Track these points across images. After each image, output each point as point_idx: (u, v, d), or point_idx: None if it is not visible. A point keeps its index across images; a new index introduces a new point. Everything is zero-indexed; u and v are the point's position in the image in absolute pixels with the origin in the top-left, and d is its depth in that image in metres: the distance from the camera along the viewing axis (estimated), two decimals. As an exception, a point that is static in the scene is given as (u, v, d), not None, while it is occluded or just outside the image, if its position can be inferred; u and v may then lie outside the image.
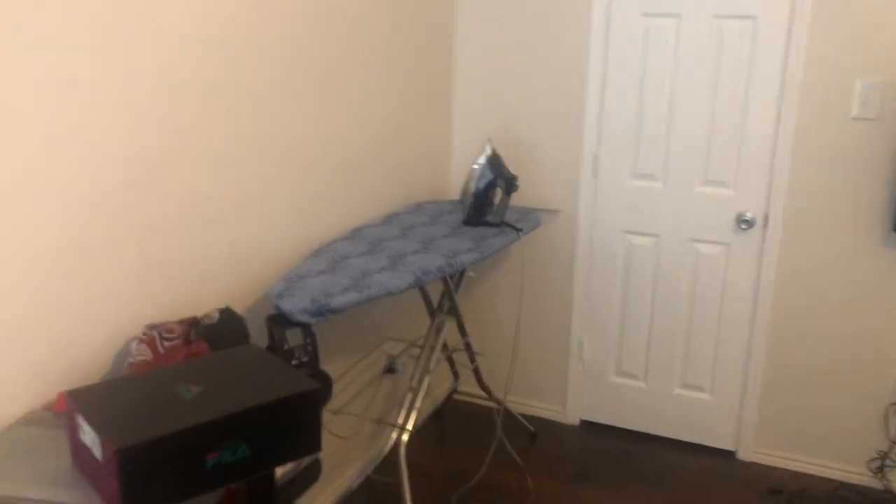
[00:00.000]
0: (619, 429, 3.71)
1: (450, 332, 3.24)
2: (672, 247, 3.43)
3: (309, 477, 2.04)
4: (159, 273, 2.02)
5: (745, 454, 3.48)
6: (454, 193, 3.76)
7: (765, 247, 3.26)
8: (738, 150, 3.24)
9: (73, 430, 1.41)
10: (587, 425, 3.76)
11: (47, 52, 1.63)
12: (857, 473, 3.31)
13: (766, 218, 3.25)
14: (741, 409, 3.46)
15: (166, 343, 1.87)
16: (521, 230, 2.97)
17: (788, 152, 3.15)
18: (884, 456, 3.25)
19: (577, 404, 3.76)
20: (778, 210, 3.21)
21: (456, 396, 3.89)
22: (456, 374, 3.72)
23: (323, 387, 2.22)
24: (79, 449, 1.39)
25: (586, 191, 3.51)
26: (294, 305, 2.14)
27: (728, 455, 3.51)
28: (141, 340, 1.85)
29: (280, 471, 1.87)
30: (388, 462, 3.32)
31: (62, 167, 1.70)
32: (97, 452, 1.30)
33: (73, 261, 1.76)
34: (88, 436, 1.33)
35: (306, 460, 1.94)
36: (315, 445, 1.53)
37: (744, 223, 3.27)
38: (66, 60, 1.68)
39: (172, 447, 1.29)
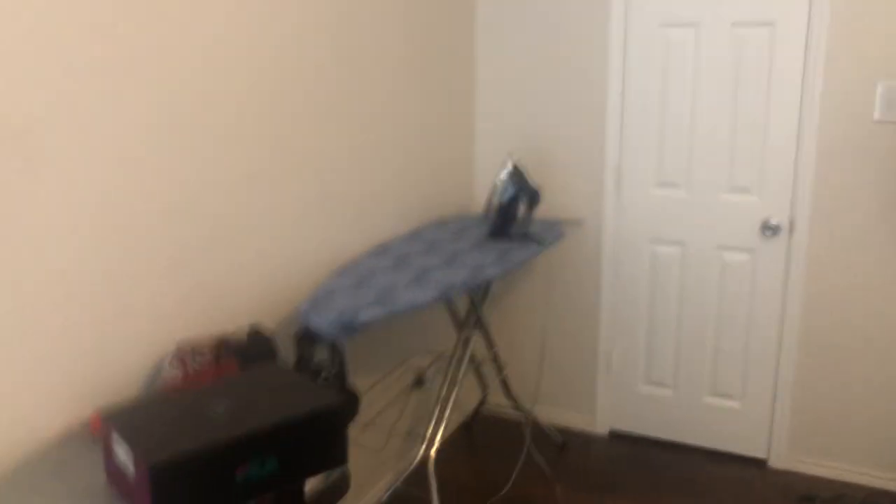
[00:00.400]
0: (648, 438, 3.71)
1: (477, 344, 3.27)
2: (698, 255, 3.43)
3: (338, 490, 2.07)
4: (190, 292, 2.08)
5: (776, 462, 3.45)
6: (478, 208, 3.80)
7: (791, 253, 3.25)
8: (762, 157, 3.24)
9: (108, 448, 1.46)
10: (616, 435, 3.76)
11: (81, 77, 1.70)
12: (890, 479, 3.27)
13: (791, 224, 3.24)
14: (772, 416, 3.44)
15: (197, 361, 1.92)
16: (545, 242, 3.00)
17: (812, 157, 3.14)
18: (918, 462, 3.22)
19: (606, 414, 3.76)
20: (804, 216, 3.20)
21: (484, 408, 3.91)
22: (484, 386, 3.75)
23: (349, 401, 2.26)
24: (113, 466, 1.44)
25: (610, 201, 3.52)
26: (322, 321, 2.18)
27: (760, 463, 3.49)
28: (172, 359, 1.91)
29: (309, 484, 1.90)
30: (418, 474, 3.35)
31: (94, 192, 1.77)
32: (130, 469, 1.35)
33: (106, 283, 1.82)
34: (122, 453, 1.38)
35: (335, 473, 1.97)
36: (342, 459, 1.57)
37: (769, 230, 3.27)
38: (97, 92, 1.75)
39: (203, 463, 1.33)
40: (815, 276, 3.24)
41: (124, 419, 1.44)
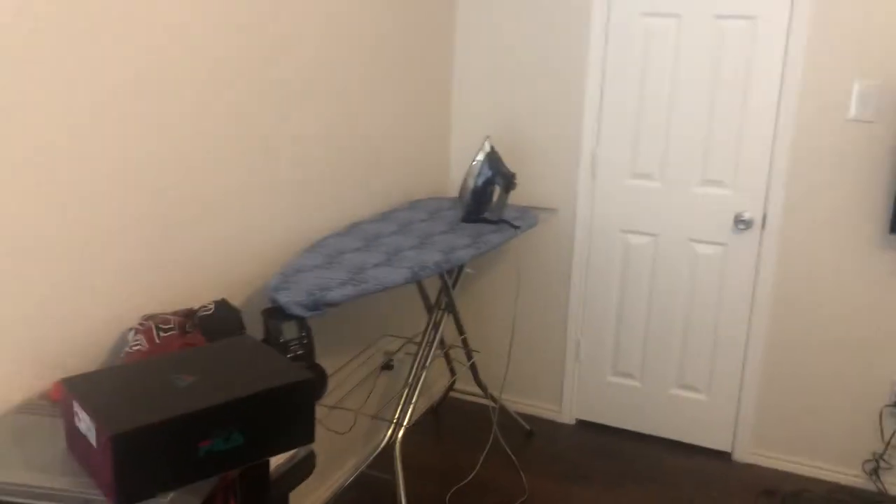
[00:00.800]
0: (614, 428, 3.72)
1: (447, 328, 3.24)
2: (670, 246, 3.43)
3: (303, 470, 2.04)
4: (157, 265, 2.03)
5: (740, 455, 3.48)
6: (453, 190, 3.77)
7: (762, 247, 3.27)
8: (737, 151, 3.24)
9: (69, 417, 1.41)
10: (583, 424, 3.76)
11: (55, 47, 1.64)
12: (851, 475, 3.31)
13: (763, 219, 3.25)
14: (737, 409, 3.46)
15: (162, 333, 1.87)
16: (518, 227, 2.98)
17: (786, 153, 3.16)
18: (878, 458, 3.26)
19: (572, 403, 3.76)
20: (776, 211, 3.21)
21: (452, 394, 3.89)
22: (452, 371, 3.73)
23: (317, 378, 2.23)
24: (74, 436, 1.40)
25: (584, 189, 3.51)
26: (290, 298, 2.15)
27: (724, 456, 3.51)
28: (137, 331, 1.86)
29: (274, 463, 1.87)
30: (384, 458, 3.32)
31: (62, 161, 1.71)
32: (92, 439, 1.31)
33: (73, 252, 1.77)
34: (84, 422, 1.34)
35: (301, 453, 1.94)
36: (309, 436, 1.54)
37: (741, 223, 3.28)
38: (70, 57, 1.69)
39: (166, 434, 1.29)
40: (784, 272, 3.26)
41: (87, 387, 1.40)
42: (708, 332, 3.45)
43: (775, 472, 3.40)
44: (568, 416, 3.78)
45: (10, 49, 1.56)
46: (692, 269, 3.42)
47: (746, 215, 3.27)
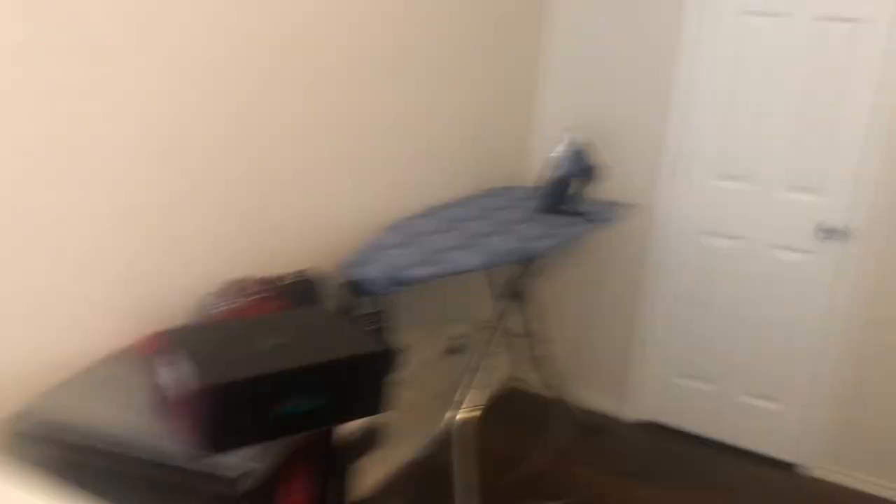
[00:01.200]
0: (679, 430, 3.67)
1: (514, 317, 3.25)
2: (750, 251, 3.36)
3: (371, 442, 2.08)
4: (244, 233, 2.09)
5: (807, 469, 3.40)
6: (531, 180, 3.76)
7: (848, 257, 3.18)
8: (827, 157, 3.15)
9: (157, 368, 1.47)
10: (646, 424, 3.73)
11: (174, 25, 1.71)
12: (924, 499, 3.21)
13: (850, 228, 3.16)
14: (808, 421, 3.38)
15: (243, 298, 1.93)
16: (595, 221, 2.96)
17: (879, 161, 3.05)
18: (955, 483, 3.15)
19: (637, 402, 3.73)
20: (864, 220, 3.12)
21: (515, 383, 3.90)
22: (517, 361, 3.74)
23: (394, 351, 2.27)
24: (160, 386, 1.46)
25: (666, 187, 3.47)
26: (368, 274, 2.19)
27: (790, 468, 3.43)
28: (219, 295, 1.92)
29: (344, 431, 1.91)
30: (444, 440, 3.35)
31: (162, 129, 1.78)
32: (180, 389, 1.36)
33: (164, 215, 1.84)
34: (172, 373, 1.40)
35: (371, 424, 1.98)
36: (382, 406, 1.57)
37: (827, 232, 3.19)
38: (187, 36, 1.75)
39: (251, 390, 1.34)
40: (872, 284, 3.16)
41: (176, 341, 1.46)
42: (784, 340, 3.37)
43: (843, 488, 3.31)
44: (631, 413, 3.75)
45: (124, 25, 1.64)
46: (772, 275, 3.34)
47: (833, 223, 3.18)
